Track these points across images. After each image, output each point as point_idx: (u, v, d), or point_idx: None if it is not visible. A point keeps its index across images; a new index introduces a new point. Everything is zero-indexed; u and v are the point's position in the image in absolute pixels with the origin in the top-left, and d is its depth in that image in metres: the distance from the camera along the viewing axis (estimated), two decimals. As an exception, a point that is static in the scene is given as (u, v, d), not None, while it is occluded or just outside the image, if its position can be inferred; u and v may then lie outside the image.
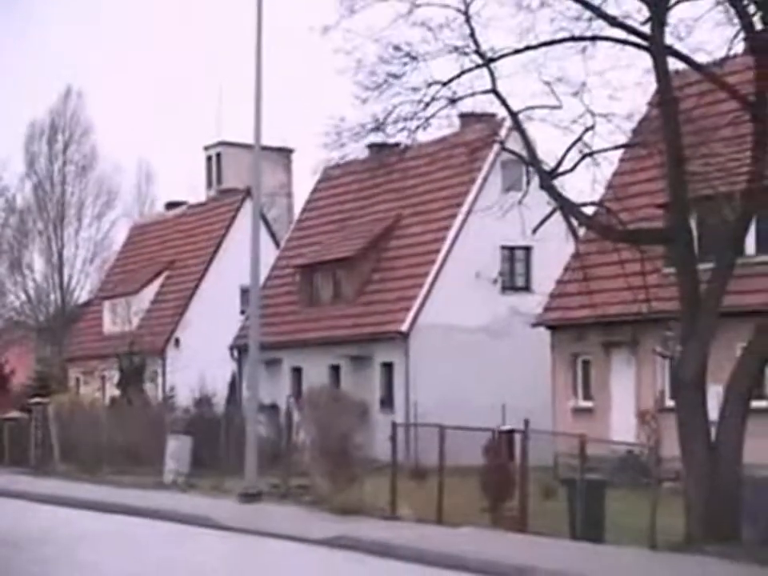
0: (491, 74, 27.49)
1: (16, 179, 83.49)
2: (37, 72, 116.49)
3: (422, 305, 53.35)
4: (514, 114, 28.54)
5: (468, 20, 27.04)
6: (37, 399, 59.57)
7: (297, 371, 58.80)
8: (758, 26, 26.01)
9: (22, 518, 33.87)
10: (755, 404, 27.56)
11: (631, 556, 24.38)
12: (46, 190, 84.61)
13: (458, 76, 27.50)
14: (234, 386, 56.31)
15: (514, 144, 30.50)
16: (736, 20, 26.11)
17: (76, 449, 50.37)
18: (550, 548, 25.58)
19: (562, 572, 22.22)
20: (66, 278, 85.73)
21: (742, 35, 26.36)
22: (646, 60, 27.18)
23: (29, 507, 37.63)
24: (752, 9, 26.00)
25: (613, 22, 26.73)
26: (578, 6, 26.54)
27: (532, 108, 28.26)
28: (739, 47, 27.11)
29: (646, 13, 26.62)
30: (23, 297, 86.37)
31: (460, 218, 53.68)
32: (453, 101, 28.02)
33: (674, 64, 27.62)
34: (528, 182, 31.77)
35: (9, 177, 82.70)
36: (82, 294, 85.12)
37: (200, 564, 26.03)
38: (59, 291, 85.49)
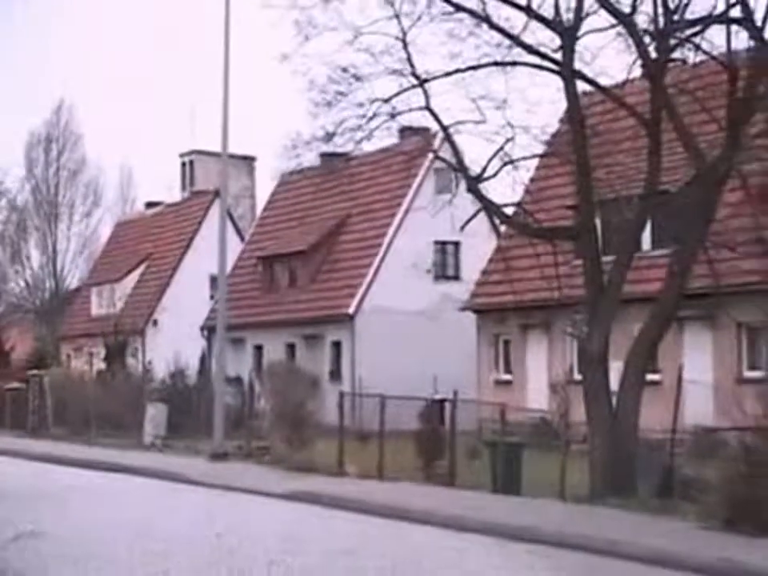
0: (425, 92, 27.50)
1: (17, 182, 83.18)
2: (34, 87, 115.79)
3: (366, 291, 53.48)
4: (444, 128, 28.61)
5: (405, 46, 27.11)
6: (34, 372, 59.20)
7: (258, 348, 58.74)
8: (653, 55, 26.30)
9: (21, 474, 33.81)
10: (649, 377, 27.79)
11: (543, 506, 24.38)
12: (42, 191, 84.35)
13: (397, 94, 27.50)
14: (203, 360, 56.23)
15: (445, 153, 30.56)
16: (634, 49, 26.39)
17: (67, 415, 50.17)
18: (475, 500, 25.60)
19: (484, 520, 22.29)
20: (59, 268, 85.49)
21: (639, 62, 26.64)
22: (558, 81, 27.36)
23: (26, 465, 37.57)
24: (647, 39, 26.26)
25: (529, 49, 26.80)
26: (499, 36, 26.69)
27: (460, 122, 28.25)
28: (637, 72, 27.42)
29: (557, 42, 26.71)
30: (22, 284, 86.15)
31: (399, 216, 53.97)
32: (392, 116, 28.00)
33: (581, 86, 27.82)
34: (457, 186, 31.83)
35: (10, 180, 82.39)
36: (72, 282, 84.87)
37: (175, 512, 26.09)
38: (53, 279, 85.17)
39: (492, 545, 20.58)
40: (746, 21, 23.82)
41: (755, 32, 23.59)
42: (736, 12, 24.46)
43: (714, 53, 26.77)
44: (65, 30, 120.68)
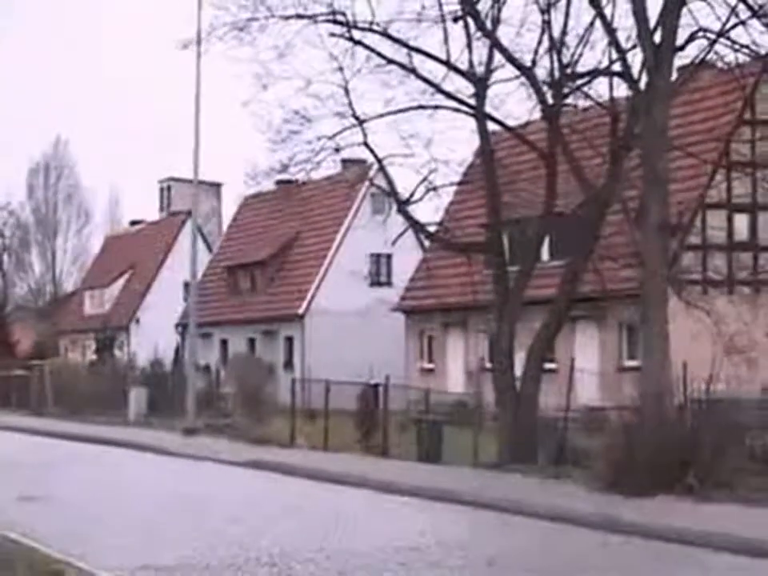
0: (363, 131, 27.42)
1: (20, 204, 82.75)
2: (33, 124, 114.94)
3: (314, 295, 53.53)
4: (379, 160, 28.66)
5: (347, 93, 27.04)
6: (36, 361, 59.04)
7: (224, 342, 58.57)
8: (550, 101, 26.47)
9: (25, 446, 33.60)
10: (547, 366, 27.89)
11: (459, 472, 24.49)
12: (42, 211, 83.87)
13: (340, 132, 27.37)
14: (178, 352, 55.91)
15: (380, 181, 30.70)
16: (534, 96, 26.55)
17: (64, 397, 49.81)
18: (404, 467, 25.62)
19: (411, 484, 22.24)
20: (57, 275, 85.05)
21: (538, 107, 26.81)
22: (473, 122, 27.47)
23: (29, 438, 37.31)
24: (545, 88, 26.42)
25: (449, 96, 26.89)
26: (424, 84, 26.72)
27: (392, 156, 28.30)
28: (537, 115, 27.57)
29: (472, 89, 26.84)
30: (26, 288, 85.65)
31: (341, 233, 54.09)
32: (336, 150, 27.88)
33: (492, 126, 27.94)
34: (389, 208, 31.90)
35: (15, 202, 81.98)
36: (68, 286, 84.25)
37: (153, 478, 26.05)
38: (52, 284, 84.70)
39: (417, 504, 20.60)
40: (625, 74, 24.01)
41: (632, 83, 23.78)
42: (617, 66, 24.65)
43: (600, 99, 26.99)
44: (61, 75, 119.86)
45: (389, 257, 52.25)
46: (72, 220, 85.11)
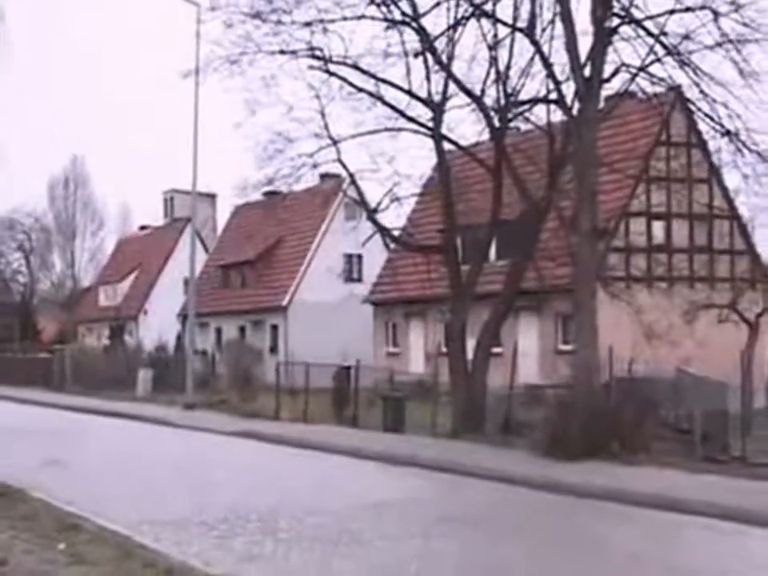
0: (337, 150, 27.40)
1: (43, 211, 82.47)
2: (54, 141, 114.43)
3: (296, 289, 53.34)
4: (351, 175, 28.62)
5: (323, 117, 27.04)
6: (58, 346, 58.90)
7: (218, 330, 58.28)
8: (496, 124, 26.54)
9: (47, 418, 33.50)
10: (494, 350, 27.91)
11: (419, 440, 24.45)
12: (62, 217, 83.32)
13: (317, 151, 27.32)
14: (179, 338, 55.59)
15: (352, 192, 30.63)
16: (483, 120, 26.63)
17: (82, 376, 49.59)
18: (371, 436, 25.58)
19: (378, 450, 22.31)
20: (75, 272, 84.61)
21: (487, 129, 26.87)
22: (431, 142, 27.49)
23: (52, 411, 37.16)
24: (492, 114, 26.49)
25: (410, 119, 26.97)
26: (390, 110, 26.74)
27: (362, 171, 28.28)
28: (485, 136, 27.59)
29: (430, 114, 26.94)
30: (49, 284, 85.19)
31: (319, 236, 53.98)
32: (314, 166, 27.79)
33: (447, 145, 28.02)
34: (360, 216, 32.02)
35: (39, 209, 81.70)
36: (85, 282, 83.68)
37: (157, 445, 26.04)
38: (71, 280, 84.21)
39: (383, 468, 20.67)
40: (560, 102, 24.09)
41: (566, 110, 23.85)
42: (553, 95, 24.72)
43: (539, 123, 27.11)
44: (78, 102, 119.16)
45: (359, 257, 52.19)
46: (88, 225, 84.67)
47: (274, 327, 54.10)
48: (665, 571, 11.33)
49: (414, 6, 25.42)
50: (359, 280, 51.94)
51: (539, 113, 26.83)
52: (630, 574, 11.15)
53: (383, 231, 29.53)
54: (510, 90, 26.17)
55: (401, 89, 26.60)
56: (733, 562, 12.00)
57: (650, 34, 22.44)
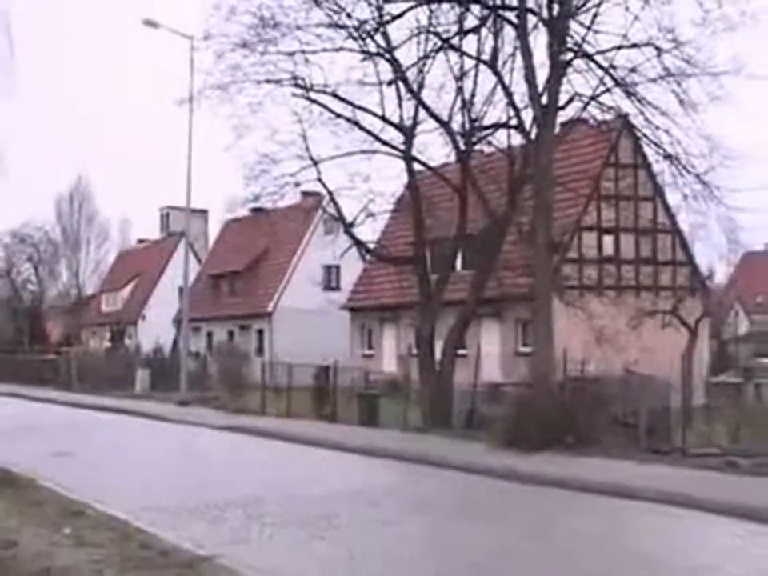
0: (317, 170, 27.32)
1: (51, 225, 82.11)
2: (59, 162, 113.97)
3: (279, 297, 53.32)
4: (330, 192, 28.51)
5: (305, 140, 26.99)
6: (64, 348, 58.70)
7: (209, 333, 58.08)
8: (462, 147, 26.63)
9: (55, 413, 33.33)
10: (460, 352, 27.91)
11: (392, 434, 24.41)
12: (68, 231, 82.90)
13: (299, 171, 27.29)
14: (175, 341, 55.49)
15: (331, 208, 30.58)
16: (450, 143, 26.74)
17: (86, 376, 49.35)
18: (348, 431, 25.51)
19: (354, 443, 22.22)
20: (80, 281, 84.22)
21: (453, 152, 26.97)
22: (402, 163, 27.53)
23: (58, 408, 36.96)
24: (459, 138, 26.60)
25: (384, 142, 26.94)
26: (365, 134, 26.78)
27: (340, 189, 28.15)
28: (452, 158, 27.68)
29: (402, 138, 27.01)
30: (56, 291, 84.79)
31: (301, 248, 53.94)
32: (296, 184, 27.69)
33: (418, 166, 28.06)
34: (338, 230, 31.91)
35: (48, 224, 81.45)
36: (89, 290, 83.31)
37: (158, 433, 26.06)
38: (76, 288, 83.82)
39: (359, 459, 20.66)
40: (520, 127, 24.22)
41: (525, 134, 23.99)
42: (514, 121, 24.83)
43: (500, 147, 27.23)
44: (81, 125, 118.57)
45: (338, 267, 52.07)
46: (92, 238, 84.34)
47: (260, 331, 54.02)
48: (611, 548, 11.41)
49: (387, 40, 25.48)
50: (337, 288, 51.90)
51: (501, 137, 26.97)
52: (580, 551, 11.22)
53: (359, 244, 29.53)
54: (474, 116, 26.31)
55: (375, 115, 26.65)
56: (674, 541, 12.11)
57: (600, 66, 22.61)
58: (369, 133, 26.77)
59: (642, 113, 22.63)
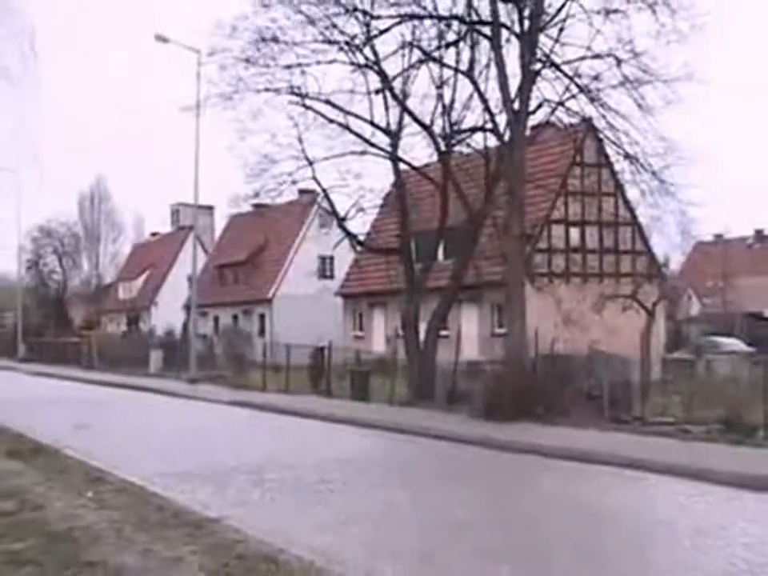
0: (312, 169, 27.38)
1: (73, 221, 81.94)
2: (80, 164, 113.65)
3: (279, 284, 53.25)
4: (324, 189, 28.47)
5: (301, 142, 27.03)
6: (85, 332, 58.58)
7: (216, 318, 57.95)
8: (443, 148, 26.64)
9: (76, 390, 33.27)
10: (442, 333, 27.99)
11: (381, 407, 24.56)
12: (89, 226, 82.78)
13: (296, 170, 27.26)
14: (185, 326, 55.42)
15: (325, 204, 30.53)
16: (432, 145, 26.74)
17: (105, 357, 49.45)
18: (342, 405, 25.61)
19: (347, 416, 22.31)
20: (100, 271, 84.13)
21: (435, 153, 26.98)
22: (389, 163, 27.53)
23: (80, 385, 36.88)
24: (440, 140, 26.59)
25: (372, 144, 26.93)
26: (355, 137, 26.78)
27: (333, 186, 28.20)
28: (434, 158, 27.70)
29: (388, 140, 26.97)
30: (78, 280, 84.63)
31: (298, 240, 53.83)
32: (293, 182, 27.68)
33: (403, 166, 28.07)
34: (332, 223, 31.92)
35: (71, 220, 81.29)
36: (107, 279, 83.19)
37: (170, 408, 25.96)
38: (96, 277, 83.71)
39: (351, 430, 20.67)
40: (494, 130, 24.22)
41: (499, 136, 23.99)
42: (489, 125, 24.84)
43: (477, 147, 27.23)
44: (100, 129, 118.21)
45: (332, 258, 52.02)
46: (110, 233, 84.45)
47: (261, 316, 53.96)
48: (575, 506, 11.47)
49: (375, 53, 25.46)
50: (331, 277, 51.88)
51: (478, 139, 27.05)
52: (548, 509, 11.28)
53: (351, 236, 29.54)
54: (453, 121, 26.37)
55: (365, 120, 26.63)
56: (630, 499, 12.19)
57: (566, 75, 22.67)
58: (359, 136, 26.76)
59: (604, 117, 22.72)
